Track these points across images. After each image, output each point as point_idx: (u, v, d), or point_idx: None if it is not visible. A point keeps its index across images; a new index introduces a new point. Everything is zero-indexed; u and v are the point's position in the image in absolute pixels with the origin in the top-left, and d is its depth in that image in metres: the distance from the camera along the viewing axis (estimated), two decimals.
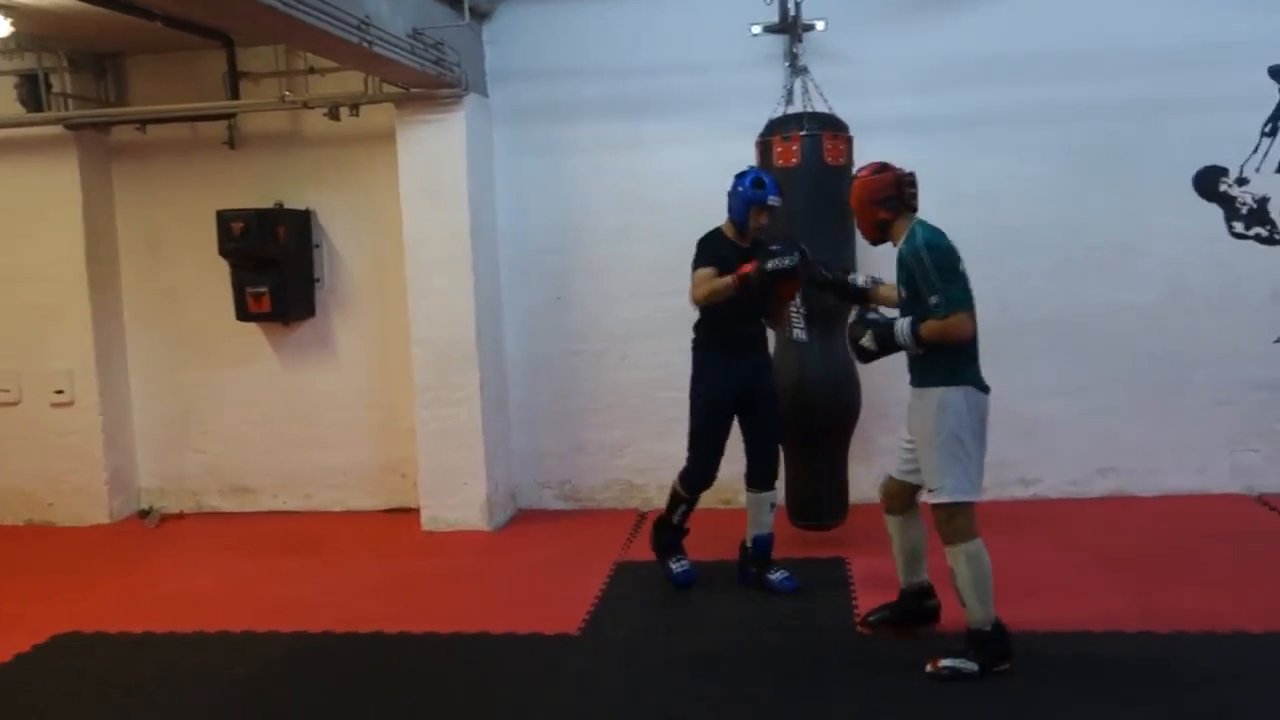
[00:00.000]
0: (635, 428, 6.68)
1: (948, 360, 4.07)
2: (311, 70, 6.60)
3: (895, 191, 4.17)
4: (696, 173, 6.42)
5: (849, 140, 5.60)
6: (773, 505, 5.14)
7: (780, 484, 5.34)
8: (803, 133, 5.41)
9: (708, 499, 6.53)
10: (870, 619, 4.52)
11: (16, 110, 6.65)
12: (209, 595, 5.44)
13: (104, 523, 6.91)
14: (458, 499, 6.40)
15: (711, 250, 4.90)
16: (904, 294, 4.16)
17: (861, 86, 6.12)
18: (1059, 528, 5.96)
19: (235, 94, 6.63)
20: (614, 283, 6.60)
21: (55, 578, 5.86)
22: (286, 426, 7.03)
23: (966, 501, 4.03)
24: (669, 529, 5.26)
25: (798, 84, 5.93)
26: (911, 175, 4.24)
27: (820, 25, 6.08)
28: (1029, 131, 6.31)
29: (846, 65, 6.20)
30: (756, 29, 6.18)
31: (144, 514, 7.01)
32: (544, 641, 4.60)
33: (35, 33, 6.05)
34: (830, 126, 5.52)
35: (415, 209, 6.32)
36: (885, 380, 6.14)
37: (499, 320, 6.69)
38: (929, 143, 6.32)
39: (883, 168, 4.26)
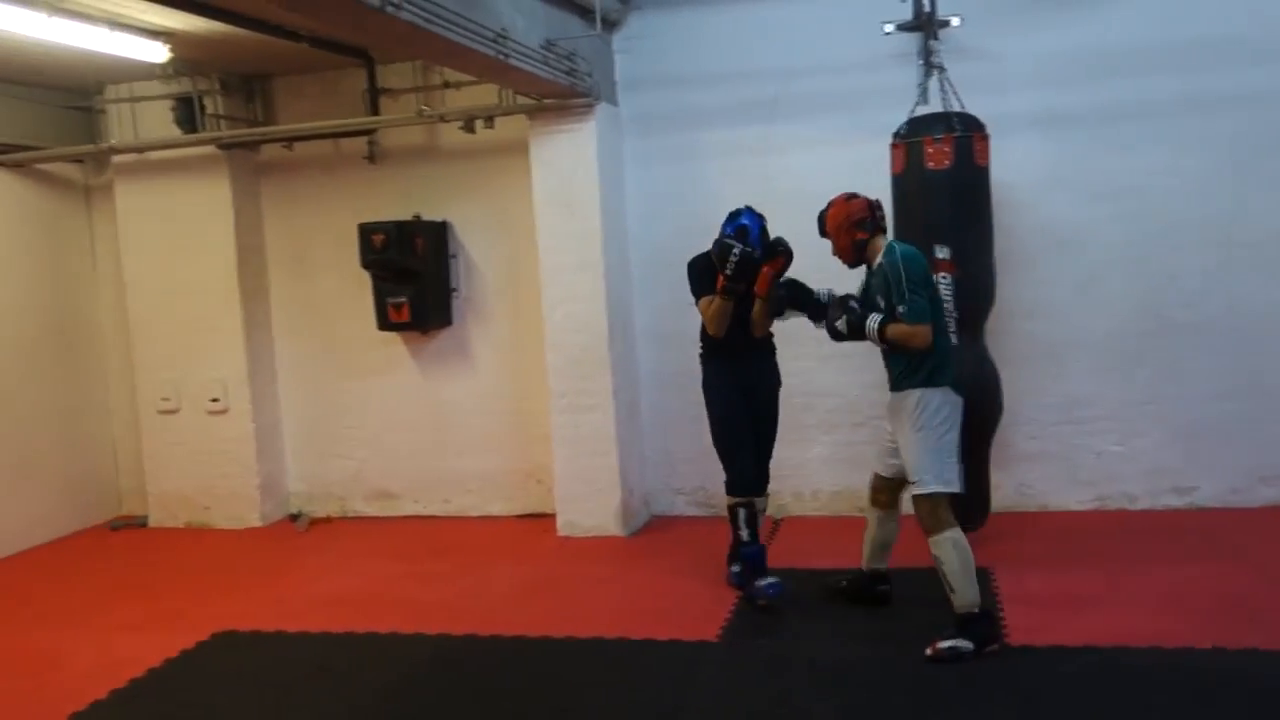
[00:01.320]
0: None
1: (923, 366, 4.38)
2: (447, 85, 6.77)
3: (869, 214, 4.54)
4: (829, 175, 6.23)
5: (988, 140, 5.46)
6: (763, 510, 5.26)
7: None
8: (956, 134, 5.27)
9: (839, 506, 6.54)
10: (839, 586, 5.00)
11: (173, 132, 6.98)
12: (357, 597, 5.60)
13: (256, 526, 7.20)
14: (593, 505, 6.46)
15: (697, 279, 5.15)
16: (880, 302, 4.47)
17: (997, 83, 5.98)
18: (1220, 539, 5.67)
19: (375, 110, 6.85)
20: None
21: (213, 578, 6.14)
22: (426, 433, 7.20)
23: (946, 493, 4.33)
24: (744, 547, 5.16)
25: (933, 83, 5.80)
26: (878, 201, 4.67)
27: (955, 21, 5.93)
28: (1176, 124, 6.04)
29: (981, 61, 6.03)
30: (889, 27, 6.05)
31: (294, 518, 7.28)
32: (684, 648, 4.60)
33: (190, 58, 6.34)
34: (978, 127, 5.38)
35: (548, 218, 6.41)
36: (1028, 384, 6.00)
37: (631, 326, 6.73)
38: (1069, 139, 6.16)
39: (854, 195, 4.61)
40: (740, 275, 4.91)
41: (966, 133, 5.32)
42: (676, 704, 4.10)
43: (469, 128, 6.51)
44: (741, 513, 5.15)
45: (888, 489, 4.74)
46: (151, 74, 6.71)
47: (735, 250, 4.89)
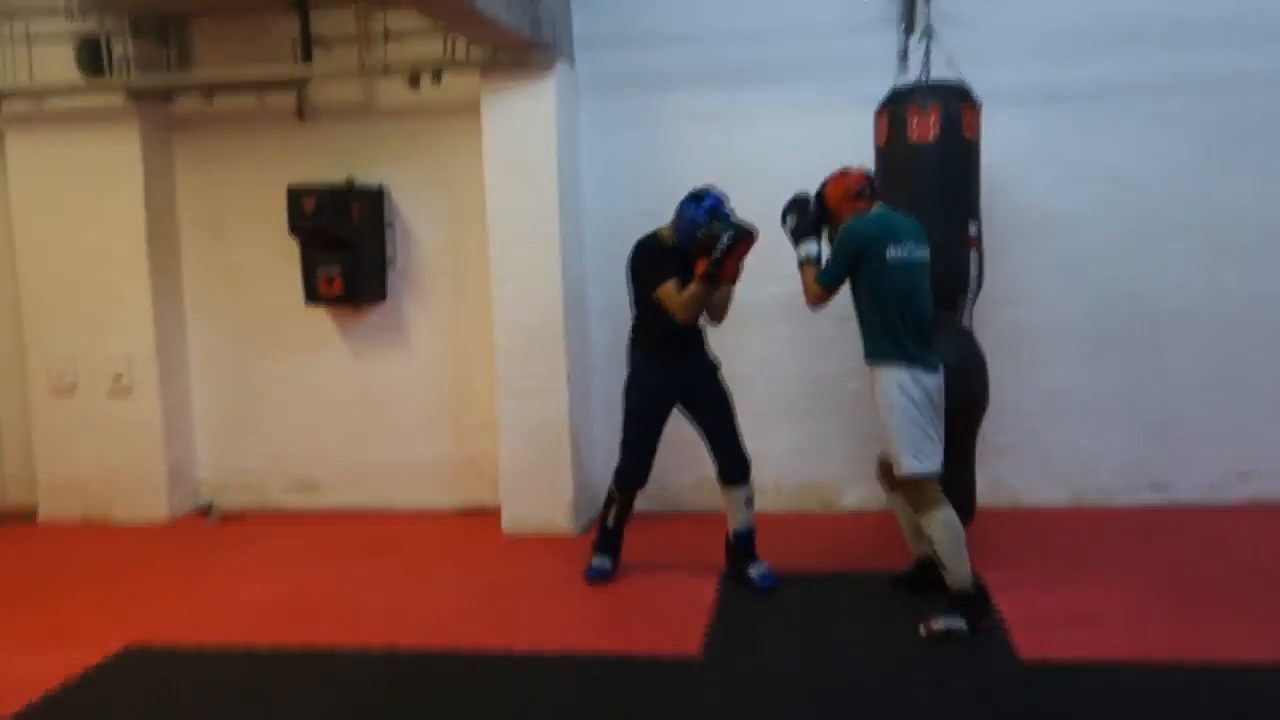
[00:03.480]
0: None
1: (886, 340, 4.34)
2: (388, 35, 6.14)
3: (866, 185, 4.49)
4: (801, 147, 5.96)
5: (978, 112, 5.10)
6: (749, 500, 5.04)
7: None
8: (942, 104, 4.88)
9: (807, 501, 6.17)
10: (898, 579, 4.81)
11: (74, 77, 6.22)
12: (286, 604, 5.01)
13: (163, 519, 6.51)
14: (542, 499, 5.96)
15: (660, 263, 4.87)
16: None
17: (982, 53, 5.58)
18: (1196, 537, 5.44)
19: (308, 60, 6.17)
20: None
21: (118, 581, 5.46)
22: (356, 418, 6.60)
23: (927, 471, 4.28)
24: (602, 530, 5.20)
25: (920, 50, 5.40)
26: (869, 171, 4.64)
27: None
28: (1169, 104, 5.78)
29: (966, 30, 5.66)
30: None
31: (205, 510, 6.61)
32: (667, 667, 4.12)
33: None
34: (966, 98, 5.00)
35: (501, 185, 5.86)
36: (1004, 373, 5.66)
37: (584, 306, 6.23)
38: (1058, 116, 5.86)
39: (848, 169, 4.56)
40: (728, 263, 4.68)
41: (954, 103, 4.94)
42: None
43: (414, 82, 5.91)
44: (616, 506, 5.15)
45: (890, 469, 4.52)
46: (52, 9, 5.96)
47: (726, 235, 4.62)
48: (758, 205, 5.95)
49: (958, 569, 4.27)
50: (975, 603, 4.31)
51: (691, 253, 4.72)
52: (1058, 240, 5.89)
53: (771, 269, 5.96)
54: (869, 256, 4.33)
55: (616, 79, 6.19)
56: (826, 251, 4.55)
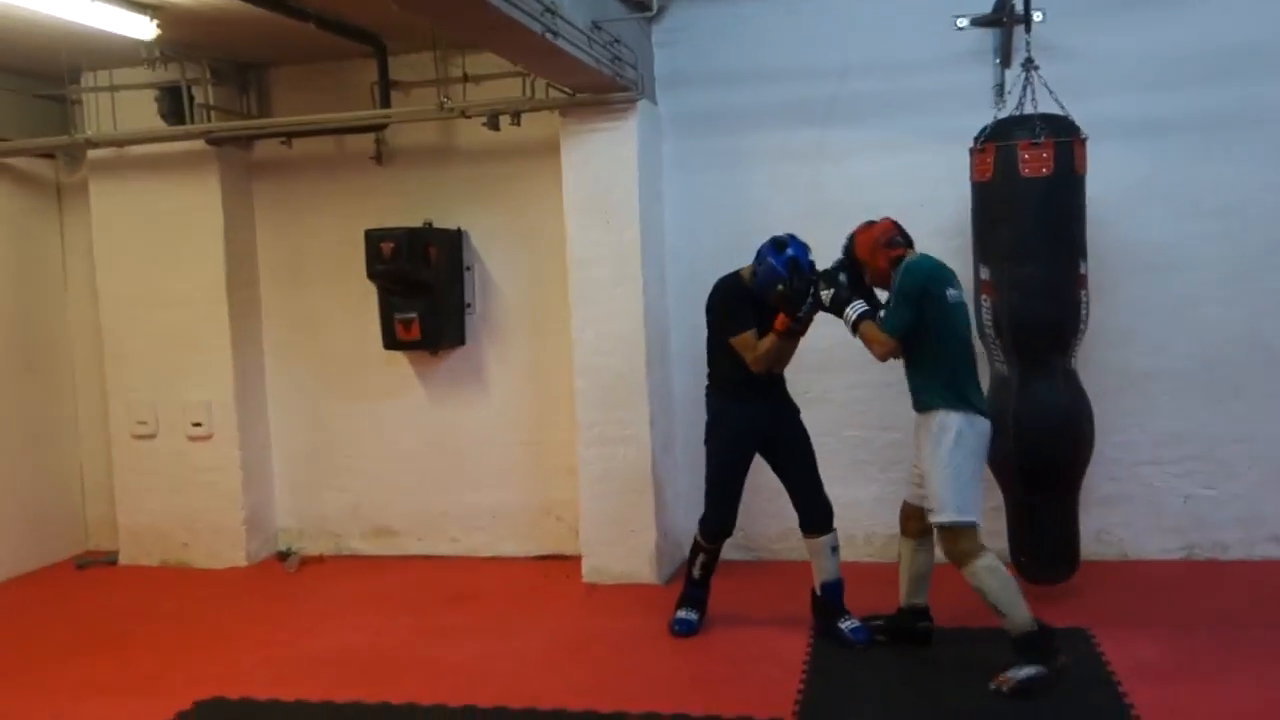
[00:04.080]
0: (820, 470, 5.97)
1: (946, 385, 4.23)
2: (466, 78, 6.09)
3: (898, 232, 4.41)
4: (890, 183, 5.78)
5: (1085, 146, 4.85)
6: (834, 549, 4.82)
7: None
8: (1054, 137, 4.64)
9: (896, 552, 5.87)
10: (877, 625, 4.70)
11: (156, 125, 6.28)
12: (362, 656, 4.87)
13: (241, 565, 6.44)
14: (624, 548, 5.76)
15: (740, 309, 4.73)
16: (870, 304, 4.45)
17: (1081, 86, 5.27)
18: None
19: (386, 104, 6.15)
20: None
21: (195, 629, 5.39)
22: (433, 464, 6.49)
23: (969, 522, 4.15)
24: (688, 581, 5.03)
25: (1018, 82, 5.17)
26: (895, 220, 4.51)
27: (1039, 16, 5.32)
28: None
29: (1067, 61, 5.38)
30: (963, 22, 5.49)
31: (283, 556, 6.53)
32: None
33: (179, 39, 5.65)
34: (1075, 131, 4.77)
35: (581, 226, 5.73)
36: (1109, 419, 5.35)
37: (667, 350, 6.06)
38: (1164, 148, 5.57)
39: (871, 221, 4.49)
40: (809, 318, 4.57)
41: (1066, 137, 4.71)
42: None
43: (493, 124, 5.83)
44: (702, 557, 4.96)
45: (917, 516, 4.46)
46: (134, 59, 6.01)
47: (811, 297, 4.50)
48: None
49: (1016, 612, 4.09)
50: (1044, 643, 4.09)
51: (770, 301, 4.58)
52: (1166, 278, 5.57)
53: None
54: (932, 297, 4.22)
55: (699, 117, 6.05)
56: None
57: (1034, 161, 4.62)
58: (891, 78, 5.82)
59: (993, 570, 4.12)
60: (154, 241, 6.44)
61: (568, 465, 6.03)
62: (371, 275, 6.09)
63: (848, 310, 4.37)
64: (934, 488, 4.20)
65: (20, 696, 4.55)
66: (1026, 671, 4.04)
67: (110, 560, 6.65)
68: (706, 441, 4.90)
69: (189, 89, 6.17)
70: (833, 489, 5.86)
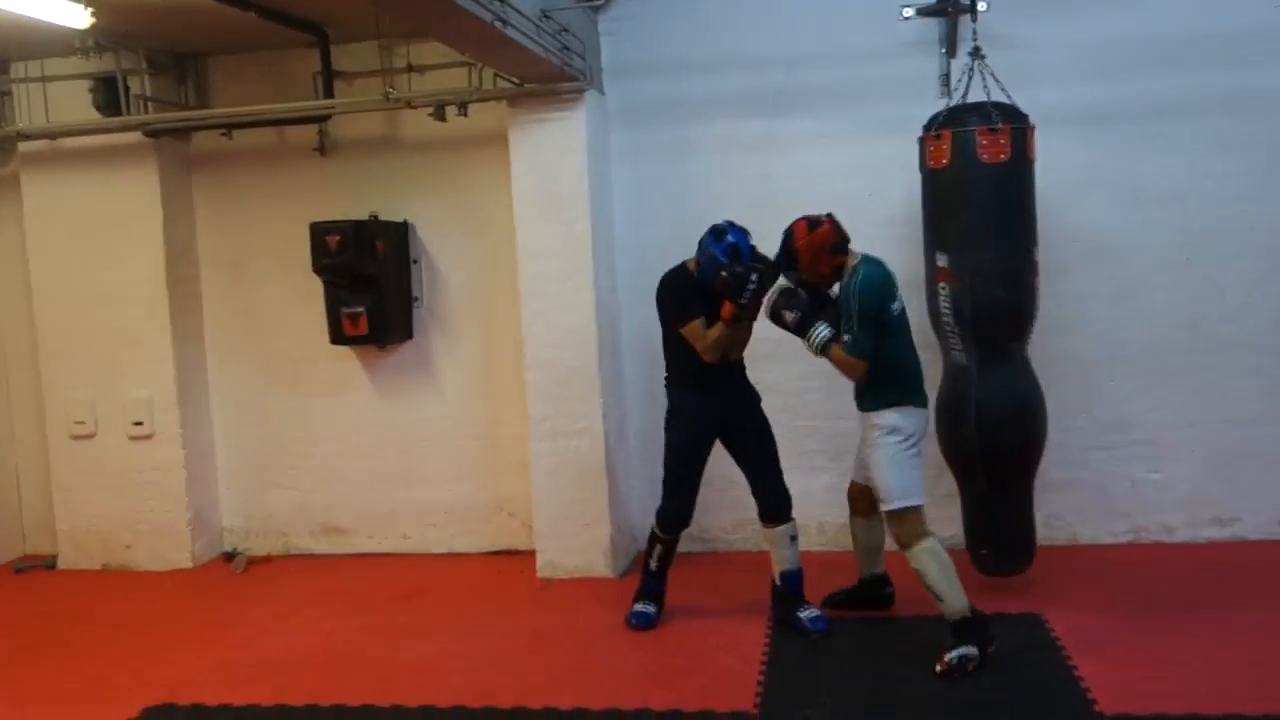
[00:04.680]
0: None
1: (886, 388, 4.41)
2: (411, 68, 6.00)
3: (839, 236, 4.45)
4: (839, 173, 5.80)
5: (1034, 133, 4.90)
6: (793, 538, 4.85)
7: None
8: (1014, 125, 4.68)
9: (849, 540, 5.90)
10: (836, 599, 4.90)
11: (91, 117, 6.09)
12: (314, 657, 4.79)
13: (186, 566, 6.29)
14: (578, 542, 5.73)
15: (687, 299, 4.71)
16: (839, 312, 4.42)
17: (1026, 75, 5.29)
18: (1269, 575, 5.17)
19: (330, 95, 6.03)
20: None
21: (140, 633, 5.26)
22: (382, 461, 6.39)
23: (914, 505, 4.36)
24: (645, 574, 5.01)
25: (965, 71, 5.19)
26: (832, 215, 4.54)
27: (983, 5, 5.35)
28: (1226, 123, 5.52)
29: (1010, 50, 5.40)
30: (909, 12, 5.51)
31: (229, 556, 6.40)
32: None
33: (114, 28, 5.48)
34: (1026, 118, 4.81)
35: (530, 219, 5.67)
36: (1058, 406, 5.40)
37: (619, 341, 6.02)
38: (1108, 137, 5.63)
39: (816, 221, 4.48)
40: (754, 303, 4.55)
41: (1020, 124, 4.75)
42: None
43: (439, 115, 5.74)
44: (659, 548, 4.95)
45: (865, 496, 4.67)
46: (67, 49, 5.79)
47: (754, 278, 4.49)
48: None
49: (953, 598, 4.26)
50: (978, 627, 4.26)
51: (714, 289, 4.57)
52: (1111, 266, 5.65)
53: None
54: (884, 313, 4.36)
55: (647, 108, 6.01)
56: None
57: (992, 147, 4.64)
58: (838, 68, 5.83)
59: (934, 553, 4.28)
60: (90, 236, 6.26)
61: (519, 460, 5.98)
62: (317, 269, 5.97)
63: (812, 334, 4.43)
64: (880, 480, 4.40)
65: None
66: (965, 652, 4.18)
67: (49, 564, 6.47)
68: (665, 432, 4.90)
69: (124, 79, 6.00)
70: (787, 478, 5.92)
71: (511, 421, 6.05)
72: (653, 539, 4.98)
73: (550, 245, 5.66)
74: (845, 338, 4.34)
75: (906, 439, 4.39)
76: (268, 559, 6.42)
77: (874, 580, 4.89)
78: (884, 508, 4.43)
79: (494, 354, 6.19)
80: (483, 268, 6.22)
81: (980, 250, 4.66)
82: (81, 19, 4.87)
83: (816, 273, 4.45)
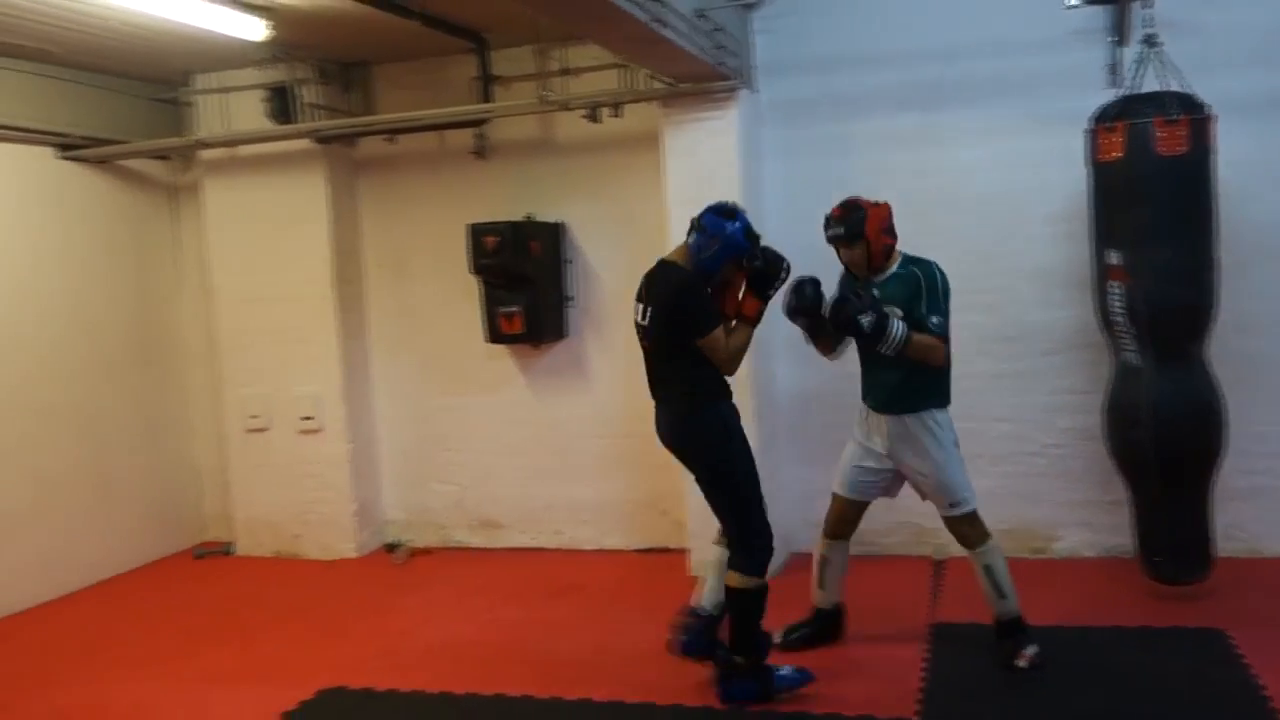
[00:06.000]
0: None
1: (936, 385, 4.30)
2: (566, 71, 6.10)
3: (892, 220, 4.34)
4: (998, 168, 5.65)
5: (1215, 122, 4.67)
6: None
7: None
8: (1193, 115, 4.47)
9: (1013, 547, 5.72)
10: (791, 638, 4.57)
11: (265, 125, 6.39)
12: (474, 648, 4.92)
13: (351, 556, 6.56)
14: None
15: (710, 304, 4.04)
16: (899, 311, 4.21)
17: (1204, 61, 5.07)
18: None
19: (487, 99, 6.19)
20: None
21: (311, 619, 5.51)
22: (536, 458, 6.52)
23: (975, 507, 4.33)
24: (757, 638, 4.13)
25: (1137, 60, 4.98)
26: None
27: None
28: None
29: (1185, 37, 5.16)
30: (1074, 0, 5.31)
31: (391, 548, 6.63)
32: None
33: (287, 40, 5.73)
34: (1205, 108, 4.58)
35: (683, 217, 5.52)
36: (1240, 410, 5.13)
37: (772, 341, 5.97)
38: None
39: (873, 201, 4.36)
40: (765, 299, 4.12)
41: (1199, 114, 4.53)
42: None
43: (593, 117, 5.83)
44: (763, 597, 4.06)
45: (856, 516, 4.61)
46: (244, 61, 6.14)
47: (786, 266, 4.12)
48: (953, 229, 5.72)
49: (1013, 595, 4.30)
50: (1025, 629, 4.32)
51: (718, 280, 4.06)
52: None
53: (970, 298, 5.63)
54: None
55: (801, 104, 5.97)
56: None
57: (1170, 139, 4.44)
58: (998, 59, 5.67)
59: (1001, 553, 4.33)
60: (264, 239, 6.58)
61: (671, 459, 5.97)
62: (475, 269, 6.13)
63: (892, 329, 4.10)
64: (945, 482, 4.30)
65: (151, 686, 4.69)
66: (1031, 647, 4.24)
67: (226, 551, 6.83)
68: (730, 462, 4.10)
69: (296, 89, 6.28)
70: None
71: None
72: (754, 597, 4.04)
73: None
74: (934, 320, 4.16)
75: (956, 439, 4.34)
76: (427, 551, 6.62)
77: (836, 609, 4.67)
78: (956, 511, 4.31)
79: None
80: (634, 267, 6.13)
81: (1157, 247, 4.47)
82: (259, 32, 5.12)
83: (874, 248, 4.27)
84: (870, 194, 5.71)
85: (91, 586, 6.24)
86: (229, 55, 5.99)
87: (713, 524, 5.71)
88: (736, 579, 4.05)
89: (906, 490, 5.83)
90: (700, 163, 5.64)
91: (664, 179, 5.74)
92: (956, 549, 5.76)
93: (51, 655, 5.16)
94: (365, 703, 4.36)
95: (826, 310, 4.29)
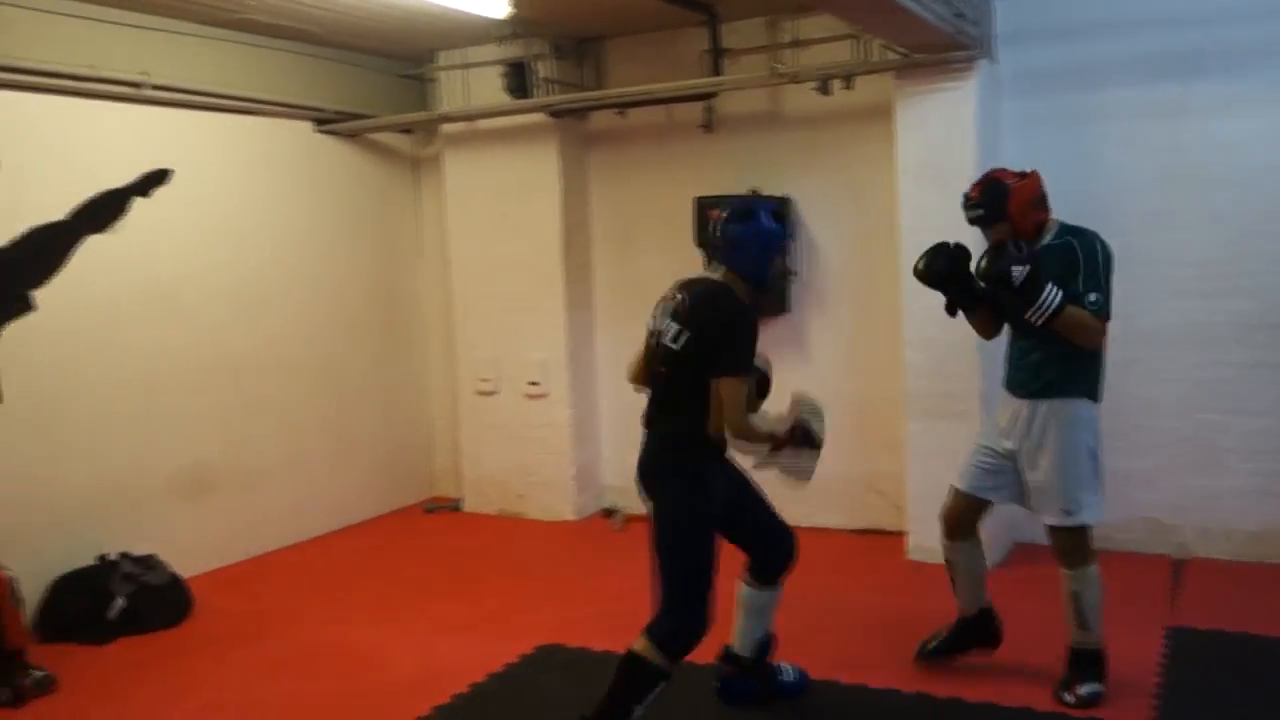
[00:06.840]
0: (1168, 456, 5.53)
1: (1087, 371, 3.84)
2: (796, 43, 6.03)
3: (1044, 191, 3.97)
4: (1265, 142, 5.23)
5: None
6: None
7: None
8: None
9: (1266, 550, 5.33)
10: (930, 650, 4.27)
11: (503, 100, 6.63)
12: None
13: (570, 519, 6.78)
14: None
15: (753, 346, 3.60)
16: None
17: None
18: None
19: (717, 72, 6.20)
20: (1150, 279, 5.40)
21: (530, 576, 5.75)
22: None
23: (1094, 524, 3.85)
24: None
25: None
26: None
27: None
28: None
29: None
30: None
31: (608, 513, 6.81)
32: None
33: (526, 17, 5.91)
34: None
35: (914, 193, 5.54)
36: None
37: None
38: None
39: (1020, 173, 4.01)
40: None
41: None
42: None
43: (824, 89, 5.74)
44: (660, 687, 3.45)
45: (975, 514, 4.16)
46: (485, 38, 6.38)
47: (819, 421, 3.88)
48: (1212, 209, 5.35)
49: (1098, 628, 3.90)
50: (1102, 662, 3.92)
51: (766, 281, 3.76)
52: None
53: (1229, 281, 5.29)
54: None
55: (1044, 75, 5.69)
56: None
57: None
58: (1265, 23, 5.24)
59: (1099, 581, 3.90)
60: (498, 209, 6.84)
61: (890, 439, 5.90)
62: (700, 243, 6.15)
63: (1046, 294, 3.66)
64: (1067, 484, 3.81)
65: (384, 630, 5.00)
66: (1096, 689, 3.87)
67: (454, 507, 7.19)
68: (694, 525, 3.68)
69: (532, 64, 6.48)
70: (1187, 477, 5.50)
71: (883, 399, 5.99)
72: (651, 675, 3.45)
73: (934, 221, 5.42)
74: (1092, 297, 3.70)
75: (1098, 439, 3.84)
76: (643, 518, 6.72)
77: (985, 614, 4.23)
78: (1064, 520, 3.80)
79: (868, 330, 6.13)
80: (860, 243, 6.17)
81: None
82: (501, 8, 5.31)
83: (1021, 226, 3.86)
84: (1119, 171, 5.53)
85: (332, 533, 6.70)
86: (471, 32, 6.24)
87: (932, 508, 5.63)
88: (645, 646, 3.49)
89: (1144, 483, 5.58)
90: (935, 136, 5.49)
91: (896, 153, 5.61)
92: (1200, 548, 5.50)
93: (299, 595, 5.59)
94: (580, 661, 4.50)
95: (977, 268, 3.87)
